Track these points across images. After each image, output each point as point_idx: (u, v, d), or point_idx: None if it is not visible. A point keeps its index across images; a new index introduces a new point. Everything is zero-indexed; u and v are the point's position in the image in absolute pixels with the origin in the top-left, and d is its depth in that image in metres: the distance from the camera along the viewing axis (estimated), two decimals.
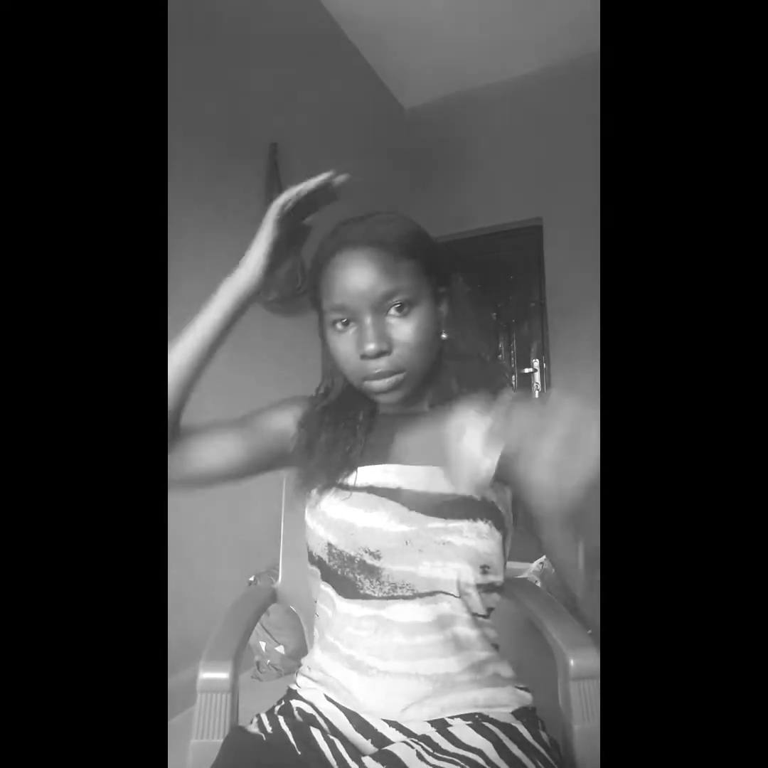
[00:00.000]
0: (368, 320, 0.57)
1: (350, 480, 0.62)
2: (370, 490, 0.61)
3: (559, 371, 2.81)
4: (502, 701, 0.60)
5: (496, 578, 0.61)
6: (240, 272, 0.61)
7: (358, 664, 0.58)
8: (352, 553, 0.59)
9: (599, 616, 0.37)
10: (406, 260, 0.57)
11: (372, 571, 0.59)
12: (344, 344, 0.59)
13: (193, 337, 0.61)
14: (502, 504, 0.61)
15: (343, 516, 0.60)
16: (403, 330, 0.57)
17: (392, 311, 0.57)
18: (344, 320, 0.59)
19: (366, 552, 0.59)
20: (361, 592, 0.59)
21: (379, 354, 0.57)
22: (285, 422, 0.68)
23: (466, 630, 0.60)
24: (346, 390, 0.67)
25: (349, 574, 0.60)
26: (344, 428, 0.65)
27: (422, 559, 0.57)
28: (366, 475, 0.62)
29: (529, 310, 2.92)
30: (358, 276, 0.57)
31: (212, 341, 0.61)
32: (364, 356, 0.57)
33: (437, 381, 0.64)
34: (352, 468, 0.63)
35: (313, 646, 0.66)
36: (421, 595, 0.58)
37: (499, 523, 0.59)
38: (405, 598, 0.58)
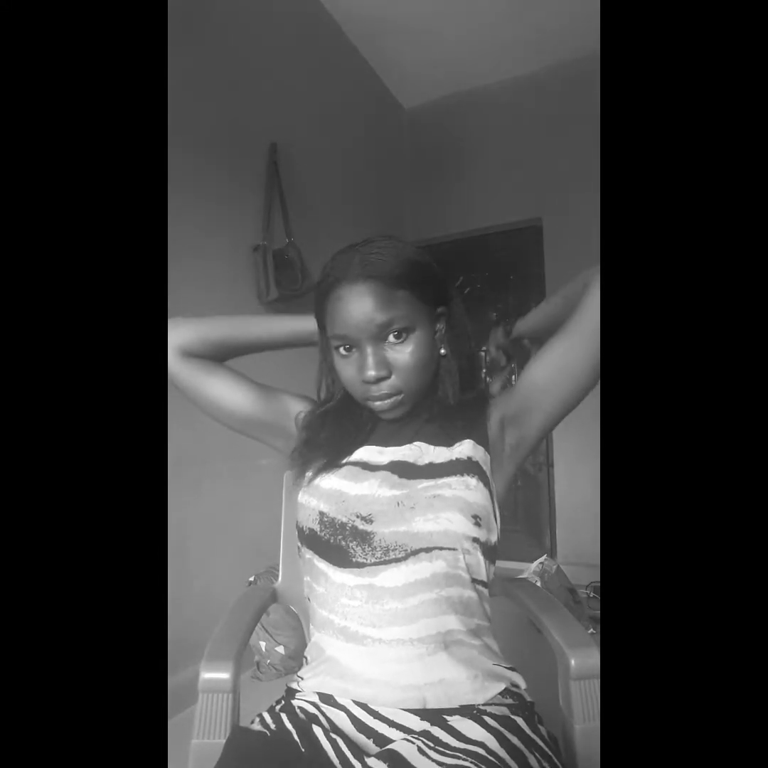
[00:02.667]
0: (368, 349, 0.62)
1: (345, 459, 0.67)
2: (364, 466, 0.66)
3: None
4: (492, 674, 0.60)
5: (490, 536, 0.62)
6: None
7: (353, 636, 0.59)
8: (344, 520, 0.62)
9: None
10: (400, 290, 0.61)
11: (364, 537, 0.60)
12: (348, 368, 0.64)
13: (247, 324, 0.76)
14: (485, 464, 0.65)
15: (335, 486, 0.65)
16: (402, 355, 0.62)
17: (391, 338, 0.62)
18: (347, 346, 0.63)
19: (358, 517, 0.61)
20: (354, 559, 0.60)
21: (379, 380, 0.62)
22: (293, 406, 0.75)
23: (462, 591, 0.60)
24: (347, 395, 0.70)
25: (340, 542, 0.61)
26: (348, 423, 0.69)
27: (414, 516, 0.60)
28: (360, 452, 0.68)
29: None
30: (356, 309, 0.61)
31: (256, 341, 0.76)
32: (365, 381, 0.62)
33: (435, 391, 0.68)
34: (350, 453, 0.68)
35: (309, 635, 0.67)
36: (414, 553, 0.59)
37: (484, 480, 0.63)
38: (397, 560, 0.59)
